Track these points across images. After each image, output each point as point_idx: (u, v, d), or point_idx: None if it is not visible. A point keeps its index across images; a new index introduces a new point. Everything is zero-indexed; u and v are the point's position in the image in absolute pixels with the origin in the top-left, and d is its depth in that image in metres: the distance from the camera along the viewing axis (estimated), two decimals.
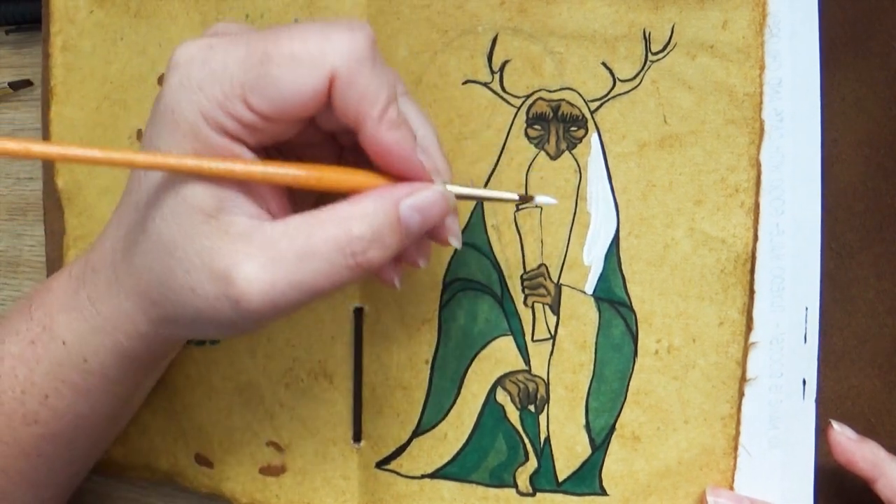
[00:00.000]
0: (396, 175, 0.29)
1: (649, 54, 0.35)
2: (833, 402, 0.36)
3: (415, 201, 0.29)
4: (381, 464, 0.38)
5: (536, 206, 0.35)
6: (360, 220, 0.28)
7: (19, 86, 0.45)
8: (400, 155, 0.29)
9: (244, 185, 0.29)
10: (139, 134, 0.41)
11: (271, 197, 0.30)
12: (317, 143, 0.32)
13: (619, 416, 0.36)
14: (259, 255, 0.28)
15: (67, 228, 0.42)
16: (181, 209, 0.28)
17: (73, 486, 0.40)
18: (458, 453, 0.37)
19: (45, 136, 0.42)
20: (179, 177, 0.28)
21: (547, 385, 0.36)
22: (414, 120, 0.30)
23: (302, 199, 0.32)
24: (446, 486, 0.38)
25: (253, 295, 0.27)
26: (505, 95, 0.36)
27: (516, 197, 0.32)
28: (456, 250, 0.37)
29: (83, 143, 0.42)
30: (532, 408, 0.37)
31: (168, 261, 0.29)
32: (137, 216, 0.30)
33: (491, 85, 0.36)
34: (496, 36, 0.36)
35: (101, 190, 0.42)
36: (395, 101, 0.28)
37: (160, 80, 0.40)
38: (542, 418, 0.36)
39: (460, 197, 0.31)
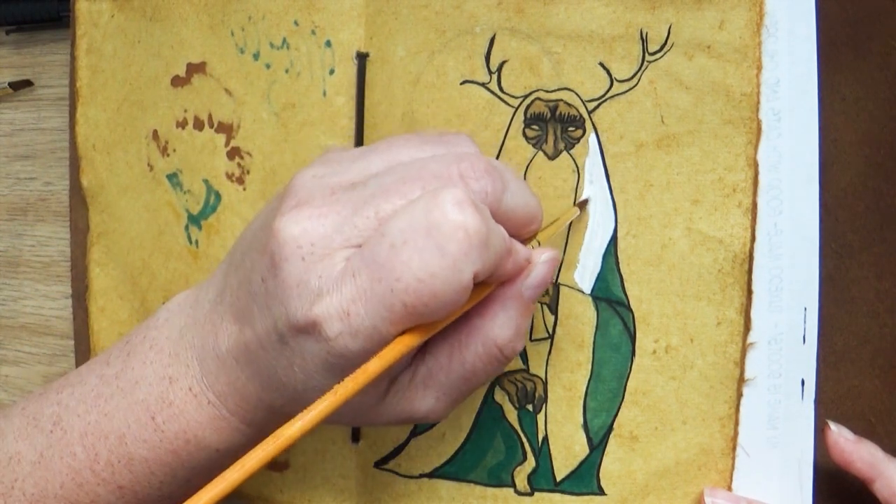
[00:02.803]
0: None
1: (646, 54, 0.34)
2: (833, 403, 0.36)
3: (533, 282, 0.30)
4: (380, 463, 0.38)
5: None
6: (500, 328, 0.30)
7: (19, 86, 0.46)
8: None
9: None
10: (154, 134, 0.41)
11: None
12: None
13: (616, 415, 0.36)
14: (431, 394, 0.31)
15: (91, 225, 0.43)
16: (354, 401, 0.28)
17: None
18: (455, 453, 0.37)
19: (72, 136, 0.43)
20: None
21: (545, 384, 0.36)
22: (523, 208, 0.30)
23: None
24: (444, 486, 0.38)
25: (436, 418, 0.32)
26: (503, 95, 0.36)
27: (578, 212, 0.35)
28: None
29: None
30: (530, 407, 0.37)
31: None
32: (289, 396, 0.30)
33: (489, 85, 0.36)
34: (494, 36, 0.36)
35: (122, 188, 0.42)
36: (511, 252, 0.29)
37: (173, 81, 0.41)
38: (540, 417, 0.37)
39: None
